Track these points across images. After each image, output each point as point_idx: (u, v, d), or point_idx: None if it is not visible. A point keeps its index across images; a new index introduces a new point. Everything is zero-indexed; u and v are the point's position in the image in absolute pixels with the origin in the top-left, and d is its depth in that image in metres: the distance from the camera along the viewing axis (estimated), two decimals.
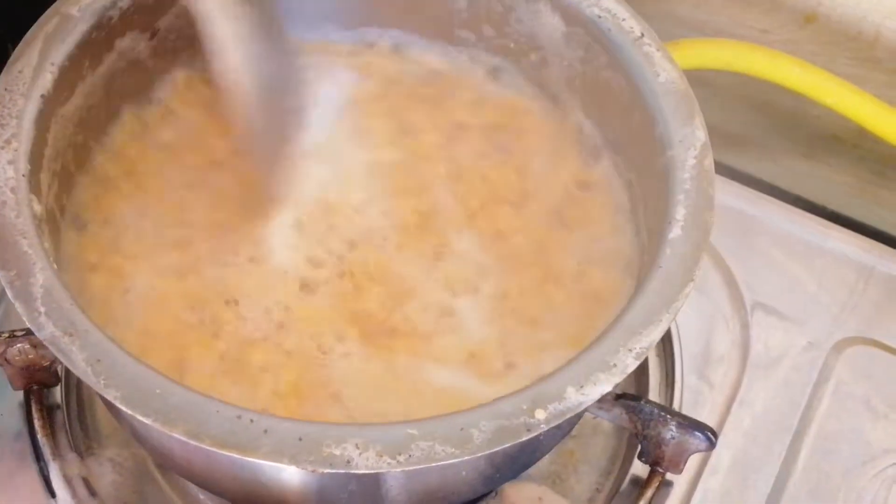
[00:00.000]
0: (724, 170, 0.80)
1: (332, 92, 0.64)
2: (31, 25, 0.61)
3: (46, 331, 0.45)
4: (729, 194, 0.75)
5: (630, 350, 0.47)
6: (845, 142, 0.85)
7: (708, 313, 0.70)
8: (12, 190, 0.49)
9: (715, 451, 0.61)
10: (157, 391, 0.44)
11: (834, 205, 0.86)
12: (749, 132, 0.89)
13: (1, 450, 0.60)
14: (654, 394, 0.65)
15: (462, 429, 0.44)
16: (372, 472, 0.43)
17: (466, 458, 0.44)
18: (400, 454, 0.43)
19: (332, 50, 0.66)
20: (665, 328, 0.48)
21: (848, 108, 0.75)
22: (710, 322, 0.70)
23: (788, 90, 0.77)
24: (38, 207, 0.50)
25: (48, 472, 0.58)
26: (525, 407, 0.45)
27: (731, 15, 0.82)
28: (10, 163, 0.50)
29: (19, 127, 0.51)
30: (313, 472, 0.43)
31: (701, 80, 0.76)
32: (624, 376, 0.47)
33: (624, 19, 0.58)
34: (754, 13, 0.81)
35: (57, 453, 0.59)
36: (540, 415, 0.45)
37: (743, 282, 0.71)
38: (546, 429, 0.45)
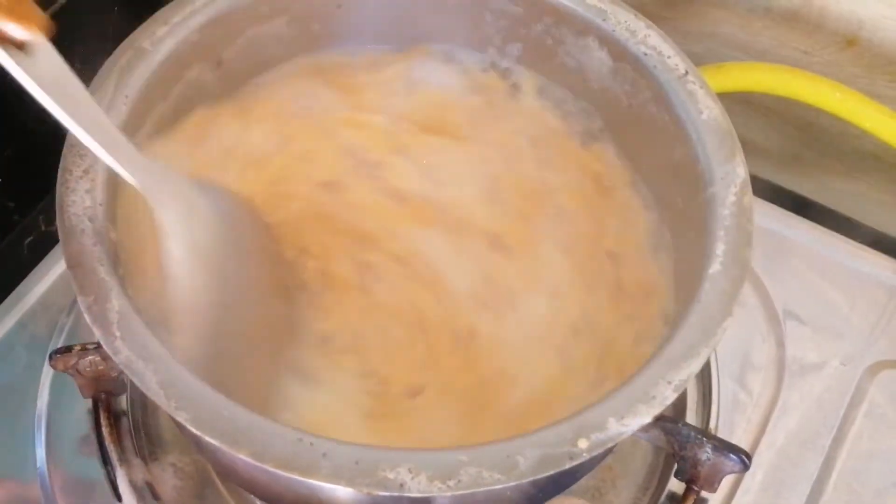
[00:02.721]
0: (764, 186, 0.82)
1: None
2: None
3: (122, 354, 0.48)
4: (765, 215, 0.77)
5: (669, 382, 0.50)
6: (885, 161, 0.86)
7: (744, 331, 0.72)
8: (90, 219, 0.52)
9: (749, 470, 0.64)
10: (225, 414, 0.47)
11: (872, 222, 0.87)
12: (789, 149, 0.91)
13: (70, 454, 0.64)
14: (692, 412, 0.67)
15: (508, 456, 0.47)
16: (423, 495, 0.46)
17: (512, 483, 0.46)
18: (450, 479, 0.46)
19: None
20: (703, 361, 0.51)
21: (886, 133, 0.76)
22: (745, 339, 0.72)
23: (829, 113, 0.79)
24: (113, 235, 0.53)
25: (115, 477, 0.62)
26: (568, 436, 0.48)
27: (774, 36, 0.83)
28: (87, 192, 0.53)
29: (96, 158, 0.54)
30: (368, 494, 0.46)
31: (742, 99, 0.79)
32: (663, 408, 0.49)
33: (669, 57, 0.60)
34: (796, 35, 0.82)
35: (123, 459, 0.62)
36: (582, 444, 0.48)
37: (778, 300, 0.73)
38: (588, 458, 0.47)
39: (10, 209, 0.73)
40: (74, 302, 0.69)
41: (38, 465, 0.63)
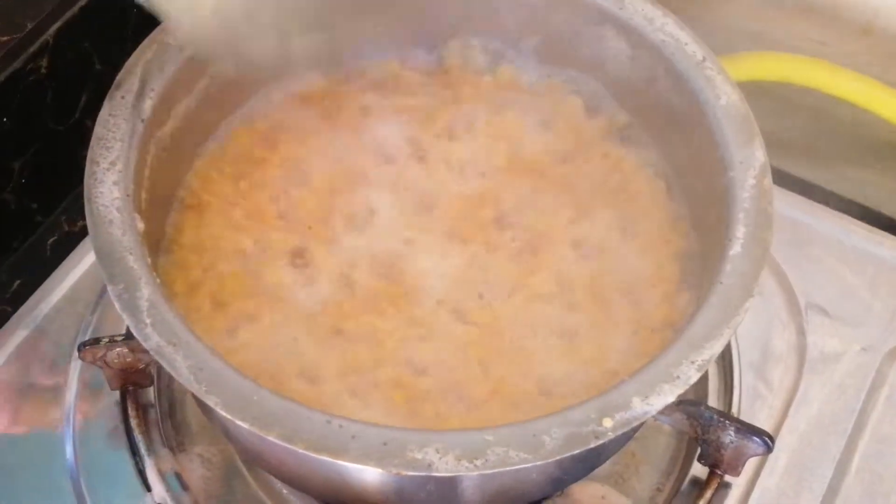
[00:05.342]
0: (780, 176, 0.82)
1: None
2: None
3: (152, 341, 0.49)
4: (783, 203, 0.77)
5: (693, 362, 0.50)
6: None
7: (764, 319, 0.72)
8: (118, 209, 0.53)
9: (772, 454, 0.64)
10: (255, 398, 0.48)
11: (889, 210, 0.87)
12: (805, 139, 0.91)
13: (98, 446, 0.64)
14: (714, 397, 0.68)
15: (534, 435, 0.48)
16: (451, 475, 0.46)
17: (538, 462, 0.47)
18: (477, 458, 0.47)
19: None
20: (726, 342, 0.51)
21: None
22: (766, 327, 0.72)
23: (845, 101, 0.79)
24: (141, 225, 0.54)
25: (144, 467, 0.62)
26: (593, 416, 0.48)
27: (789, 27, 0.83)
28: (115, 183, 0.54)
29: (122, 150, 0.55)
30: (397, 474, 0.47)
31: (758, 88, 0.78)
32: (687, 387, 0.49)
33: (687, 44, 0.61)
34: (811, 25, 0.82)
35: (152, 450, 0.63)
36: (607, 423, 0.48)
37: (798, 288, 0.73)
38: (613, 437, 0.48)
39: (33, 210, 0.74)
40: (99, 298, 0.70)
41: (68, 457, 0.64)
